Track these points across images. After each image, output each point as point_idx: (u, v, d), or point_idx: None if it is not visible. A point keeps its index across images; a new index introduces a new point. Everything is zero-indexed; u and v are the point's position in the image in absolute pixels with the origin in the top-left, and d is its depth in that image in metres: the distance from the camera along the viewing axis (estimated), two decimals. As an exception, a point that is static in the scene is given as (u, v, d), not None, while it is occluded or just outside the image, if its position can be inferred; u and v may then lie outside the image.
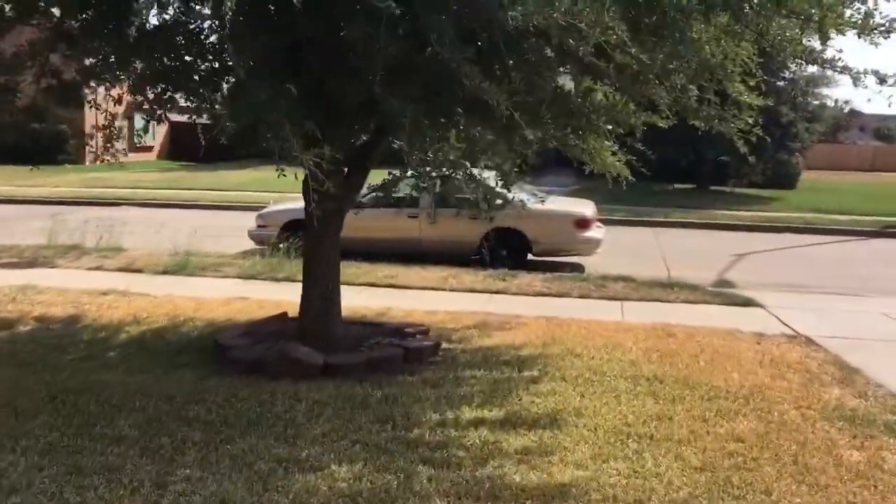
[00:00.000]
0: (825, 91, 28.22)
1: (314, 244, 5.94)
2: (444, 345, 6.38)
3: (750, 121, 5.37)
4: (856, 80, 4.59)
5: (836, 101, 38.29)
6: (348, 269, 10.12)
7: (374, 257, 11.01)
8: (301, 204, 11.66)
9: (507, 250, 11.15)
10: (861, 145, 55.35)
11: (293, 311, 6.59)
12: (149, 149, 36.57)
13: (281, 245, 11.12)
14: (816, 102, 27.37)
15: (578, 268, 11.75)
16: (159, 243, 11.59)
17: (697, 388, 5.47)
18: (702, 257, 13.28)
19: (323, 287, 5.77)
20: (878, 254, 14.74)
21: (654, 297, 9.22)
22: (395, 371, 5.45)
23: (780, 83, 24.04)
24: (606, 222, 17.17)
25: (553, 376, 5.59)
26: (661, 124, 6.59)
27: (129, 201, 19.02)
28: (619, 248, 13.65)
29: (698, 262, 12.67)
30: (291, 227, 11.35)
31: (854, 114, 45.65)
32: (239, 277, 9.74)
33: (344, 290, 9.30)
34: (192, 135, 7.22)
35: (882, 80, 4.54)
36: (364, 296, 8.96)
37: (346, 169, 5.74)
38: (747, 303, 8.99)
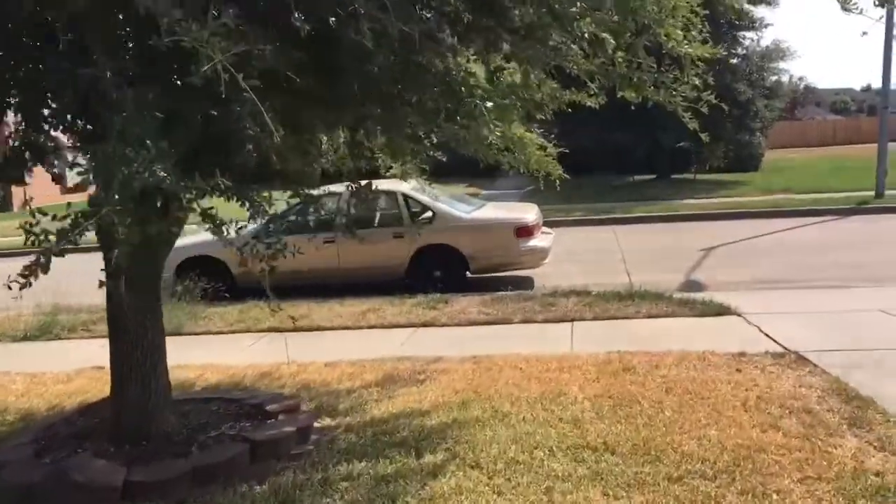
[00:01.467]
0: (781, 65, 27.13)
1: (122, 299, 4.29)
2: (326, 420, 4.80)
3: (697, 82, 3.86)
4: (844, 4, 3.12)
5: (791, 76, 37.44)
6: (251, 310, 8.54)
7: (291, 292, 9.39)
8: (201, 237, 10.07)
9: (441, 270, 9.59)
10: (820, 120, 54.85)
11: (178, 375, 4.95)
12: (83, 188, 34.42)
13: (177, 289, 9.48)
14: (774, 77, 26.19)
15: (527, 282, 10.24)
16: (50, 296, 9.84)
17: (662, 461, 3.93)
18: (667, 256, 11.82)
19: (139, 357, 4.16)
20: (858, 234, 13.39)
21: (610, 313, 7.71)
22: (238, 476, 3.85)
23: (734, 60, 22.85)
24: (562, 224, 15.80)
25: (463, 461, 4.01)
26: (589, 103, 5.13)
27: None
28: (574, 253, 12.20)
29: (663, 263, 11.21)
30: (189, 266, 9.70)
31: (809, 89, 45.00)
32: (113, 336, 8.05)
33: (239, 338, 7.82)
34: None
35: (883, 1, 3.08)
36: (259, 346, 7.36)
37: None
38: (721, 311, 7.52)
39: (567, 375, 5.57)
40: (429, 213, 9.68)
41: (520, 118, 5.32)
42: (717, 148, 22.62)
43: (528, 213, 9.95)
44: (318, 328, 7.85)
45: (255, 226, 4.13)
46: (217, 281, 9.65)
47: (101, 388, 5.86)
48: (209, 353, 7.15)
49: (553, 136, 6.45)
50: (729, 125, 21.87)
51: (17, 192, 29.92)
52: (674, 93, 3.96)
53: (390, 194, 9.74)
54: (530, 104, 5.01)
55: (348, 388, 5.52)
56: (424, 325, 7.76)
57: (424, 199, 9.56)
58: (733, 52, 23.14)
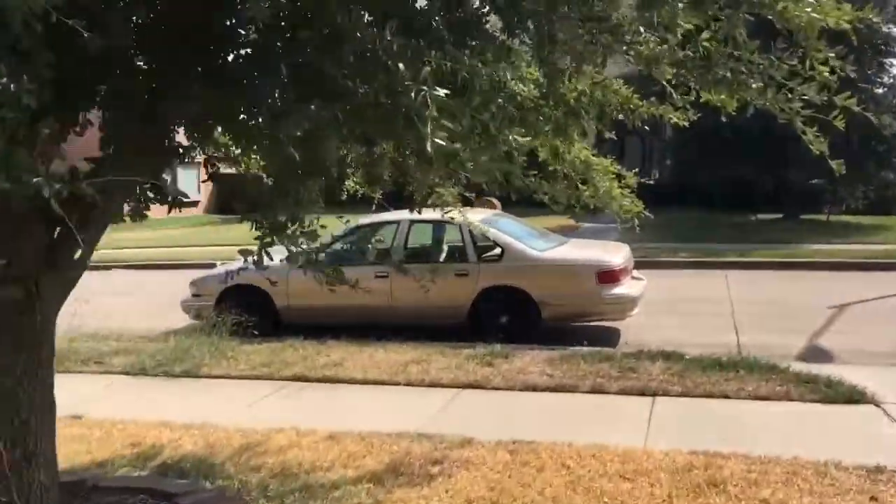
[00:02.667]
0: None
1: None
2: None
3: (827, 74, 2.39)
4: None
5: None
6: (284, 351, 7.48)
7: (336, 332, 8.32)
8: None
9: (509, 316, 8.22)
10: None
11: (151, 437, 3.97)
12: (194, 203, 35.06)
13: (219, 319, 8.58)
14: (925, 110, 23.21)
15: (611, 335, 8.70)
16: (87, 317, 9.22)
17: None
18: (787, 312, 9.93)
19: (10, 439, 3.04)
20: None
21: (705, 388, 6.12)
22: None
23: (880, 90, 20.33)
24: (663, 266, 14.01)
25: None
26: (673, 118, 3.75)
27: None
28: (674, 301, 10.50)
29: (781, 321, 9.37)
30: (232, 296, 8.78)
31: (967, 125, 40.42)
32: (125, 373, 7.15)
33: (256, 386, 6.57)
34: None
35: None
36: (271, 401, 6.24)
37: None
38: (852, 397, 5.76)
39: (628, 486, 4.10)
40: (497, 250, 8.35)
41: (579, 132, 3.98)
42: (856, 187, 20.08)
43: (616, 254, 8.42)
44: (349, 381, 6.65)
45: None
46: (259, 314, 8.67)
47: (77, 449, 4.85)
48: (213, 403, 6.11)
49: (663, 165, 5.07)
50: (872, 162, 19.37)
51: None
52: (789, 95, 2.51)
53: (454, 226, 8.50)
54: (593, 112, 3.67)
55: (334, 480, 4.25)
56: (472, 385, 6.42)
57: (492, 232, 8.25)
58: (878, 80, 20.61)
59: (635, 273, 8.92)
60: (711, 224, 20.01)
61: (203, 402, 6.12)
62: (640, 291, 8.35)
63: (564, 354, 7.20)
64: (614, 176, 4.83)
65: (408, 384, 6.52)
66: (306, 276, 8.16)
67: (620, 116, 3.99)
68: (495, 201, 14.17)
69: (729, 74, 2.55)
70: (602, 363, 6.89)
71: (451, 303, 8.28)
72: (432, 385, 6.48)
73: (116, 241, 20.05)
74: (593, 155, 4.57)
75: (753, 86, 2.55)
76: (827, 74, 2.37)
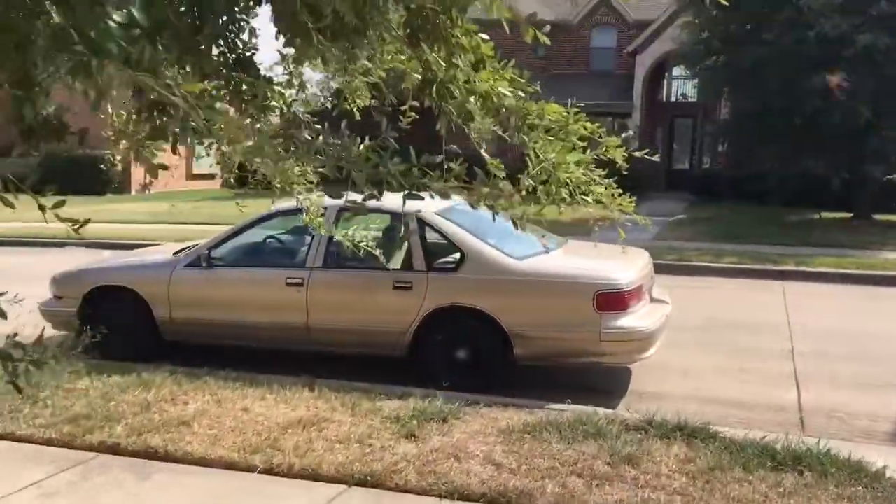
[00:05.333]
0: None
1: None
2: None
3: None
4: None
5: None
6: (122, 394, 5.19)
7: (233, 358, 6.05)
8: (122, 260, 6.88)
9: (467, 350, 5.76)
10: None
11: None
12: (210, 176, 33.09)
13: (84, 327, 6.31)
14: None
15: (616, 380, 6.20)
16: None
17: None
18: (867, 349, 7.25)
19: None
20: None
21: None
22: None
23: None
24: (703, 272, 11.34)
25: None
26: None
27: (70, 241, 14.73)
28: (712, 327, 7.96)
29: (861, 362, 6.73)
30: (98, 298, 6.48)
31: None
32: None
33: (33, 461, 4.05)
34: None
35: None
36: (29, 496, 3.90)
37: None
38: None
39: None
40: (455, 255, 5.88)
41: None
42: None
43: (627, 266, 5.81)
44: (182, 458, 4.28)
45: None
46: (130, 328, 6.36)
47: None
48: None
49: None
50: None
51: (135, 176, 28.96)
52: None
53: (398, 218, 6.06)
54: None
55: None
56: (367, 481, 4.00)
57: (451, 228, 5.79)
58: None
59: (657, 292, 6.36)
60: (767, 221, 17.14)
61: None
62: (660, 323, 5.77)
63: (532, 422, 4.73)
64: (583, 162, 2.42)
65: (268, 471, 4.13)
66: (197, 277, 5.86)
67: None
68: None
69: None
70: (586, 443, 4.43)
71: (385, 327, 5.85)
72: (304, 476, 4.08)
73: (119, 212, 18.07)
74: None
75: None
76: None
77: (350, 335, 5.94)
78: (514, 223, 1.99)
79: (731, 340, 7.45)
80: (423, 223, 5.89)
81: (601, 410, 4.99)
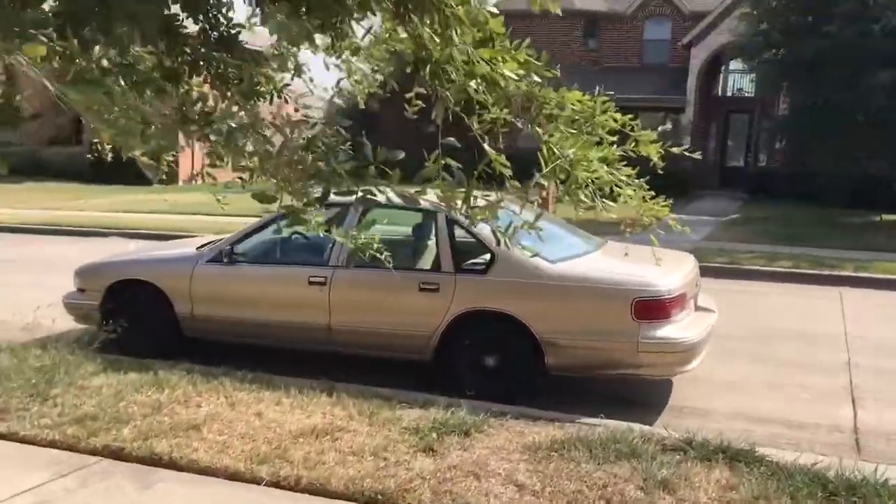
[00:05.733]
0: None
1: None
2: None
3: None
4: None
5: None
6: (133, 393, 5.03)
7: (252, 357, 5.86)
8: (147, 254, 6.73)
9: (496, 357, 5.44)
10: None
11: None
12: (257, 167, 33.25)
13: (105, 322, 6.19)
14: None
15: (658, 391, 5.80)
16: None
17: None
18: (933, 366, 6.72)
19: None
20: None
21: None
22: None
23: None
24: (756, 276, 10.79)
25: None
26: None
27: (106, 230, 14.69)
28: (765, 335, 7.48)
29: (926, 383, 6.21)
30: (121, 291, 6.34)
31: None
32: None
33: (32, 463, 3.82)
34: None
35: None
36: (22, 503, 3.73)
37: None
38: None
39: None
40: (485, 256, 5.56)
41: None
42: None
43: (670, 272, 5.40)
44: (187, 466, 4.06)
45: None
46: (151, 323, 6.21)
47: None
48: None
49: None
50: None
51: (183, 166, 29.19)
52: None
53: (427, 217, 5.78)
54: None
55: None
56: (376, 501, 3.72)
57: (481, 230, 5.46)
58: None
59: (702, 300, 5.94)
60: (824, 222, 16.38)
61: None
62: (705, 334, 5.36)
63: (560, 438, 4.39)
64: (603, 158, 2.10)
65: (274, 483, 3.88)
66: (219, 272, 5.66)
67: None
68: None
69: None
70: (619, 464, 4.08)
71: (410, 330, 5.56)
72: (311, 490, 3.82)
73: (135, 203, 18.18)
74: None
75: None
76: None
77: (373, 337, 5.67)
78: (496, 237, 1.67)
79: (782, 352, 6.97)
80: (451, 221, 5.58)
81: (636, 427, 4.63)
